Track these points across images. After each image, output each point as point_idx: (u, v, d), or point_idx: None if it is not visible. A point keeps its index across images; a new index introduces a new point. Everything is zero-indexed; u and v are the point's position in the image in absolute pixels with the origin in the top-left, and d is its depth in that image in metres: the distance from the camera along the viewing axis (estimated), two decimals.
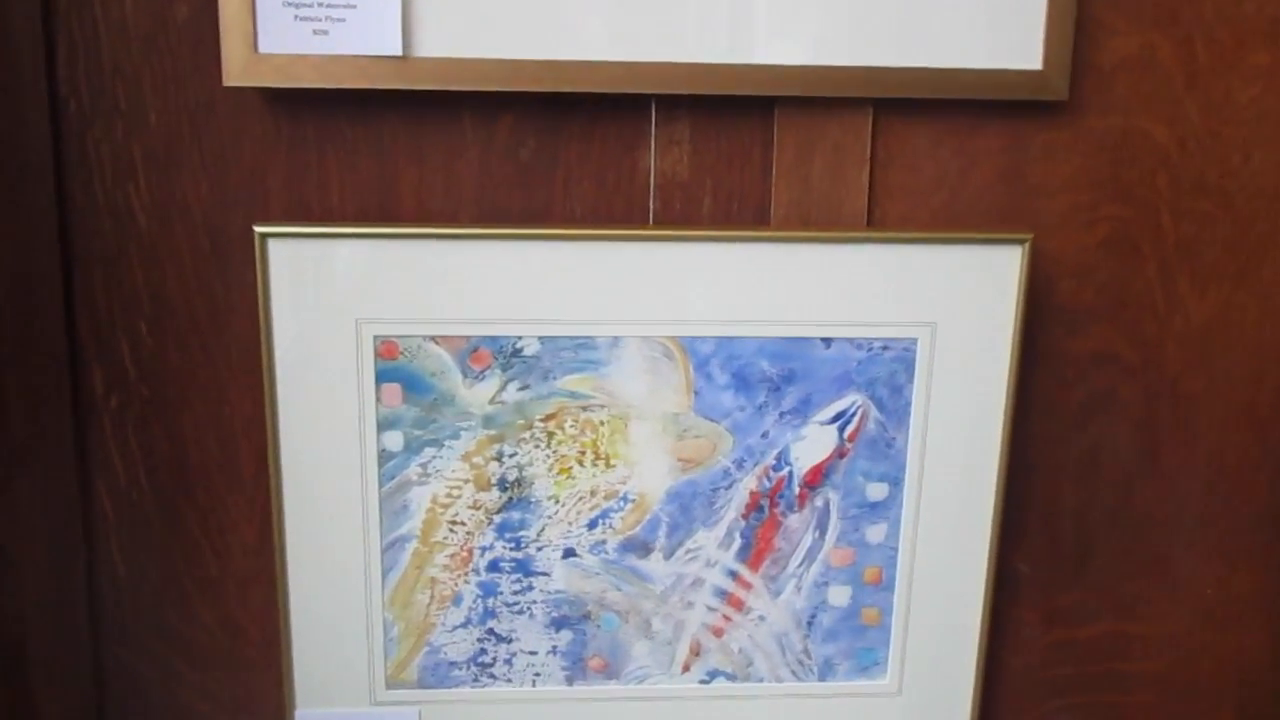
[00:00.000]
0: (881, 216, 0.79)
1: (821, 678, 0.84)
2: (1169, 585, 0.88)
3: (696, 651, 0.83)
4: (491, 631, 0.81)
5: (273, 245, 0.73)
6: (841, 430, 0.79)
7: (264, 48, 0.70)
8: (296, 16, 0.70)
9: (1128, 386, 0.84)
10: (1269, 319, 0.83)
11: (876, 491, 0.80)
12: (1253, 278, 0.82)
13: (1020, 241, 0.76)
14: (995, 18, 0.75)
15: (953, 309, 0.77)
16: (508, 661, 0.82)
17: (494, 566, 0.80)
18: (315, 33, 0.71)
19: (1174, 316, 0.83)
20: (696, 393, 0.77)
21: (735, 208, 0.78)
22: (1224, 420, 0.85)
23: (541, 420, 0.77)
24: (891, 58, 0.75)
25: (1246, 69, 0.79)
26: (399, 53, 0.71)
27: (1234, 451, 0.86)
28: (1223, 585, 0.88)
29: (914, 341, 0.78)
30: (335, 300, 0.74)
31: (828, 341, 0.77)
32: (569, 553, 0.80)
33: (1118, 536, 0.87)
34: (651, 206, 0.78)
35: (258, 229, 0.73)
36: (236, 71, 0.71)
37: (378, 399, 0.76)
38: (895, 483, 0.80)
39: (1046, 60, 0.76)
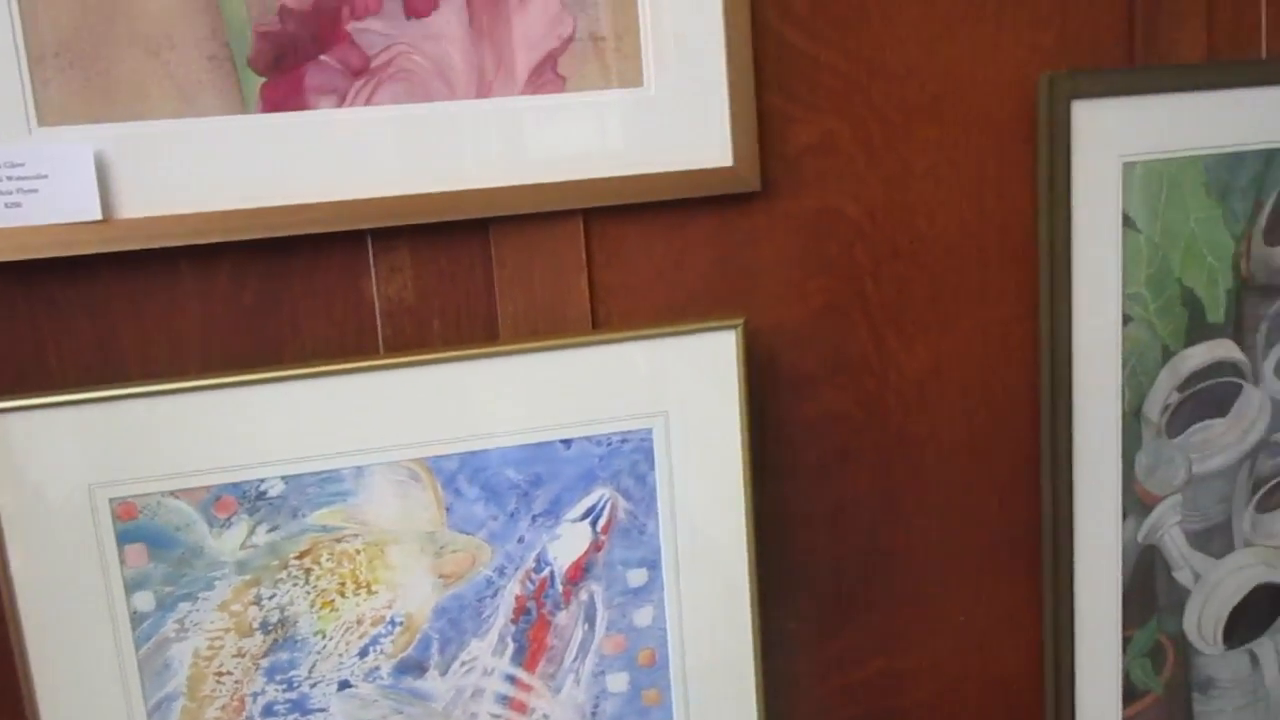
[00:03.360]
0: (606, 316, 0.87)
1: None
2: (926, 618, 0.99)
3: None
4: None
5: None
6: (594, 524, 0.86)
7: None
8: None
9: (858, 440, 0.94)
10: (971, 362, 0.95)
11: (637, 578, 0.88)
12: (952, 328, 0.95)
13: (733, 327, 0.85)
14: (685, 122, 0.85)
15: (682, 395, 0.86)
16: None
17: (269, 711, 0.83)
18: (7, 206, 0.74)
19: (889, 372, 0.94)
20: (448, 509, 0.83)
21: (464, 325, 0.85)
22: (949, 457, 0.97)
23: (296, 558, 0.82)
24: (595, 169, 0.84)
25: (918, 143, 0.92)
26: (99, 216, 0.75)
27: (962, 485, 0.97)
28: (974, 610, 1.00)
29: (649, 431, 0.86)
30: (64, 469, 0.77)
31: (568, 443, 0.85)
32: (344, 685, 0.84)
33: (873, 579, 0.97)
34: (381, 334, 0.84)
35: None
36: None
37: (122, 561, 0.79)
38: (653, 566, 0.88)
39: (736, 156, 0.86)
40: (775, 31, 0.87)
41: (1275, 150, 0.98)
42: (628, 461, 0.86)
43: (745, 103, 0.86)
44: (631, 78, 0.84)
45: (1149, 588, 1.01)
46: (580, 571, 0.87)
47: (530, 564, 0.86)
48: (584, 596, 0.87)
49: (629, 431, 0.86)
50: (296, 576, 0.82)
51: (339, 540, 0.82)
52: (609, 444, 0.85)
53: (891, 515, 0.96)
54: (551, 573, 0.86)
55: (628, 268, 0.88)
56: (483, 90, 0.81)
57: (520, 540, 0.85)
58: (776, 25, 0.87)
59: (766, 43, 0.87)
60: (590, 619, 0.88)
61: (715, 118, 0.86)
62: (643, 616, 0.89)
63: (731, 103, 0.85)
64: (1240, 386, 1.00)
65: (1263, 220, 0.98)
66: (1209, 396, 1.00)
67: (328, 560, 0.82)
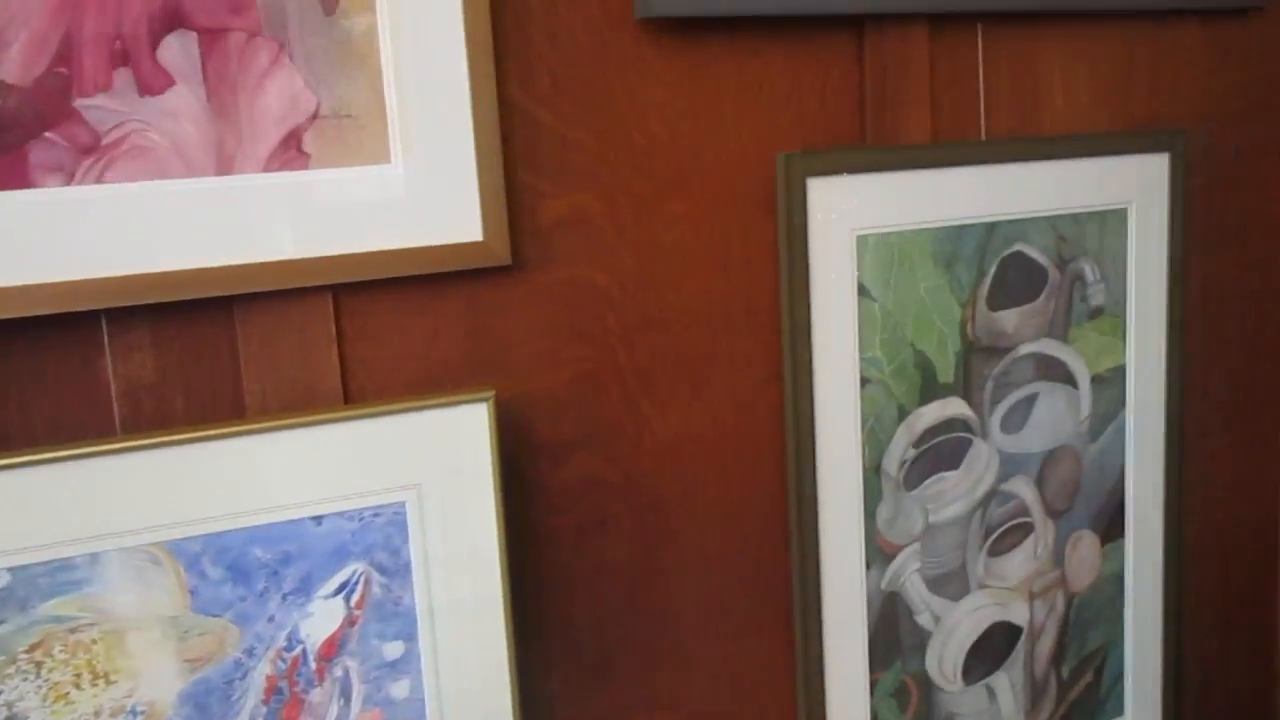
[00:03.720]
0: (359, 390, 0.88)
1: None
2: (687, 673, 1.03)
3: None
4: None
5: None
6: (347, 600, 0.86)
7: None
8: None
9: (615, 504, 0.98)
10: (721, 424, 1.00)
11: (393, 650, 0.89)
12: (702, 392, 0.99)
13: (484, 399, 0.87)
14: (434, 198, 0.87)
15: (435, 467, 0.87)
16: None
17: None
18: None
19: (643, 436, 0.98)
20: (192, 592, 0.82)
21: (210, 404, 0.84)
22: (703, 517, 1.01)
23: (26, 652, 0.79)
24: (343, 245, 0.85)
25: (666, 216, 0.96)
26: None
27: (716, 543, 1.02)
28: (732, 662, 1.04)
29: (403, 504, 0.87)
30: None
31: (318, 519, 0.85)
32: None
33: (634, 639, 1.00)
34: (118, 415, 0.82)
35: None
36: None
37: None
38: (410, 638, 0.89)
39: (486, 231, 0.88)
40: (523, 110, 0.90)
41: (995, 223, 1.07)
42: (381, 535, 0.87)
43: (494, 179, 0.88)
44: (379, 155, 0.86)
45: (893, 632, 1.08)
46: (334, 648, 0.87)
47: (281, 643, 0.85)
48: (339, 672, 0.87)
49: (382, 505, 0.86)
50: (26, 671, 0.79)
51: (74, 631, 0.80)
52: (361, 519, 0.86)
53: (650, 575, 1.00)
54: (304, 650, 0.86)
55: (380, 342, 0.88)
56: (222, 168, 0.81)
57: (270, 619, 0.84)
58: (525, 104, 0.90)
59: (515, 120, 0.90)
60: (346, 694, 0.88)
61: (464, 194, 0.88)
62: (400, 689, 0.89)
63: (480, 179, 0.88)
64: (970, 441, 1.09)
65: (986, 287, 1.07)
66: (942, 451, 1.07)
67: (61, 652, 0.80)
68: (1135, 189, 1.13)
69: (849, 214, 1.00)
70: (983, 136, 1.07)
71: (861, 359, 1.02)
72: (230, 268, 0.82)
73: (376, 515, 0.86)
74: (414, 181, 0.86)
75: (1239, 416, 1.27)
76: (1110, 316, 1.15)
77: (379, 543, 0.87)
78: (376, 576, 0.87)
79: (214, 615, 0.83)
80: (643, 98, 0.94)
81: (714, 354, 0.99)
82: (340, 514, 0.85)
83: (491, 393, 0.87)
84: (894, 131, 1.03)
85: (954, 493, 1.09)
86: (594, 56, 0.92)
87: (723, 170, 0.98)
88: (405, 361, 0.89)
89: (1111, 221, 1.13)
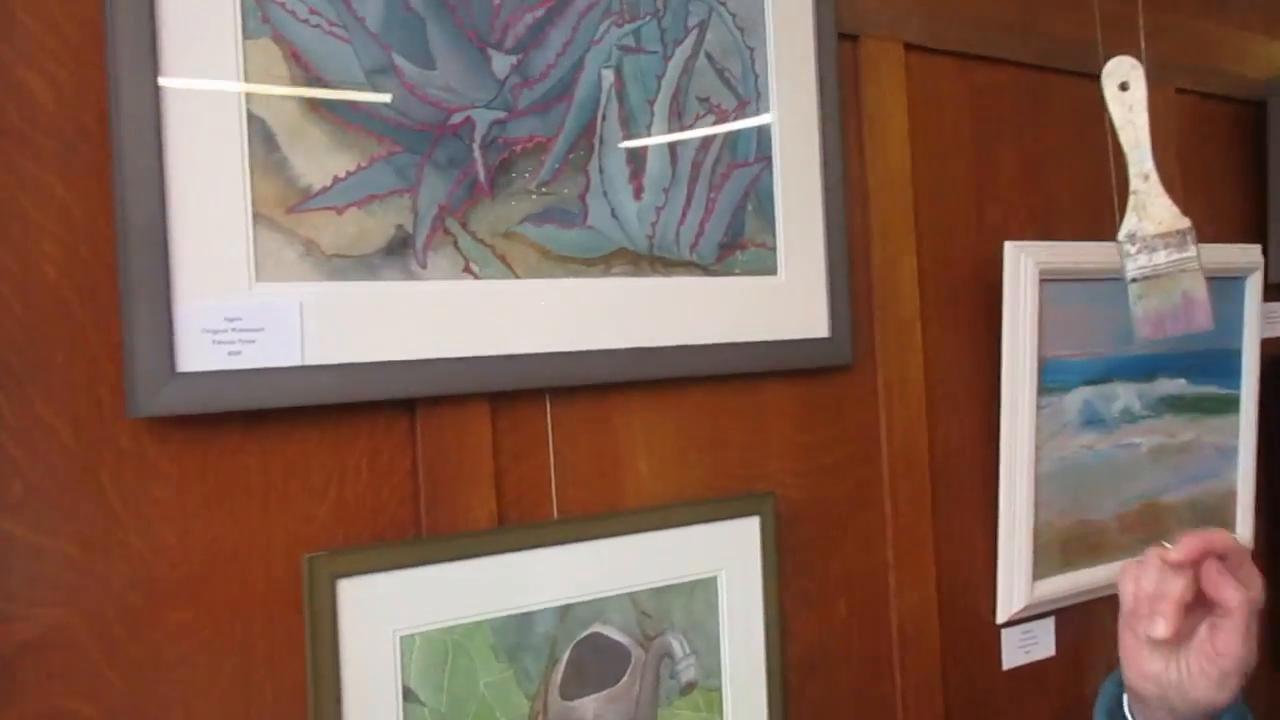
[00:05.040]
0: None
1: None
2: None
3: None
4: None
5: None
6: None
7: None
8: None
9: None
10: None
11: None
12: None
13: None
14: None
15: None
16: None
17: None
18: None
19: None
20: None
21: None
22: None
23: None
24: None
25: (171, 628, 0.86)
26: None
27: None
28: None
29: None
30: None
31: None
32: None
33: None
34: None
35: None
36: None
37: None
38: None
39: None
40: None
41: (569, 605, 1.01)
42: None
43: None
44: None
45: None
46: None
47: None
48: None
49: None
50: None
51: None
52: None
53: None
54: None
55: None
56: None
57: None
58: None
59: None
60: None
61: None
62: None
63: None
64: None
65: (559, 676, 1.01)
66: None
67: None
68: (724, 556, 1.12)
69: (390, 614, 0.93)
70: (555, 515, 1.03)
71: None
72: None
73: None
74: None
75: None
76: (705, 690, 1.10)
77: None
78: None
79: None
80: (143, 499, 0.85)
81: None
82: None
83: None
84: (452, 516, 0.97)
85: None
86: (81, 458, 0.83)
87: (244, 573, 0.89)
88: None
89: (700, 591, 1.10)
